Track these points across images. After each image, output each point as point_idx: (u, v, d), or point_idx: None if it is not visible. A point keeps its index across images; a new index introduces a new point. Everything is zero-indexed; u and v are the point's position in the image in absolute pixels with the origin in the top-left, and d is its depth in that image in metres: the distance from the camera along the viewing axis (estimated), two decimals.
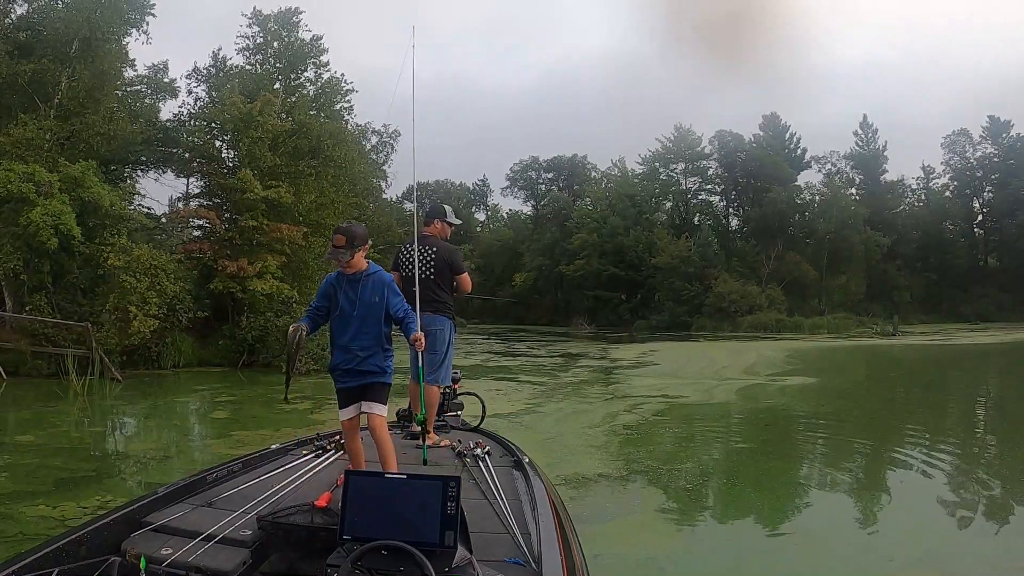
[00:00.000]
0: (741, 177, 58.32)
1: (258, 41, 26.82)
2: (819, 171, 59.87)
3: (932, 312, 53.39)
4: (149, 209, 25.54)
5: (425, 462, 4.13)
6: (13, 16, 22.28)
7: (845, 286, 52.55)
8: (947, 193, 60.56)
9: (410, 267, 4.86)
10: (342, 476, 2.82)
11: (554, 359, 27.69)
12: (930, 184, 61.65)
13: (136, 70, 25.04)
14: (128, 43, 23.03)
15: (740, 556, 6.10)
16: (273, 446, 4.47)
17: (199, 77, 26.67)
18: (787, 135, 58.82)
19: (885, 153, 59.19)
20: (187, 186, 27.68)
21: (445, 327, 5.07)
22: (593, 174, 69.38)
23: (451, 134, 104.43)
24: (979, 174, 58.42)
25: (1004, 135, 56.81)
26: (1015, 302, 51.19)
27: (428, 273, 4.96)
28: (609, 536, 6.24)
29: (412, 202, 24.18)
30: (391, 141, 31.02)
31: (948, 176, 60.42)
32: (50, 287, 19.66)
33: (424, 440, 4.37)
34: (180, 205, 26.97)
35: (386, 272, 3.94)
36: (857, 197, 57.27)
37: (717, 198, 62.45)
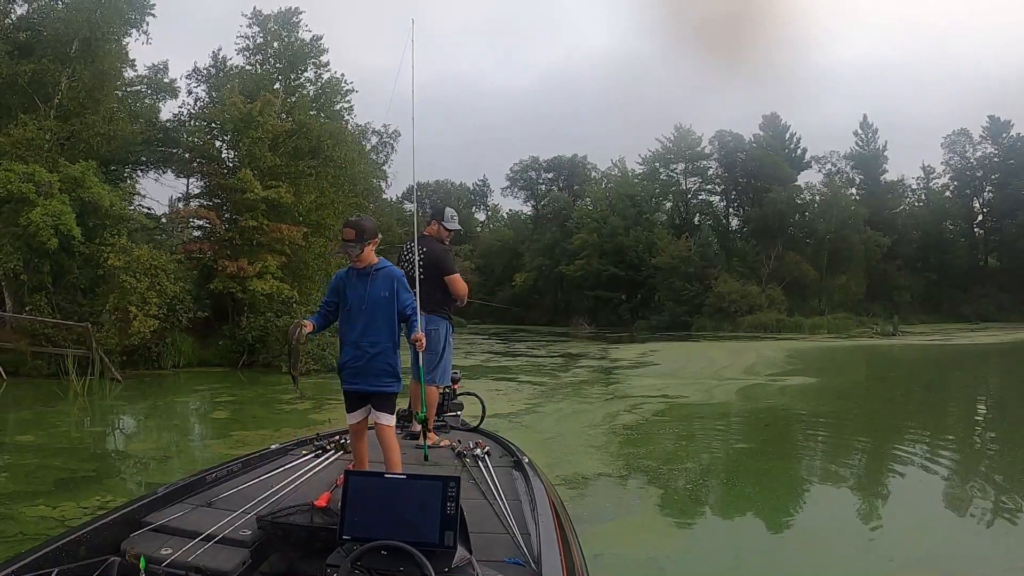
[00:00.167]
0: (741, 177, 58.29)
1: (258, 41, 26.82)
2: (819, 171, 59.91)
3: (932, 312, 53.36)
4: (149, 209, 25.60)
5: (426, 457, 4.13)
6: (13, 16, 22.28)
7: (845, 286, 52.53)
8: (947, 193, 60.52)
9: (409, 267, 4.88)
10: (342, 476, 2.82)
11: (554, 359, 27.68)
12: (930, 184, 61.65)
13: (136, 70, 25.09)
14: (128, 43, 23.07)
15: (740, 556, 6.09)
16: (273, 446, 4.46)
17: (199, 77, 26.69)
18: (787, 135, 58.80)
19: (885, 153, 59.21)
20: (187, 186, 27.71)
21: (440, 327, 5.08)
22: (593, 174, 69.41)
23: (451, 134, 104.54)
24: (979, 174, 58.39)
25: (1004, 135, 56.79)
26: (1015, 302, 51.17)
27: (419, 274, 4.98)
28: (609, 536, 6.24)
29: (409, 202, 24.13)
30: (391, 141, 31.01)
31: (948, 176, 60.43)
32: (50, 287, 19.66)
33: (424, 438, 4.38)
34: (180, 205, 26.99)
35: (396, 267, 3.91)
36: (857, 197, 57.24)
37: (717, 198, 62.47)
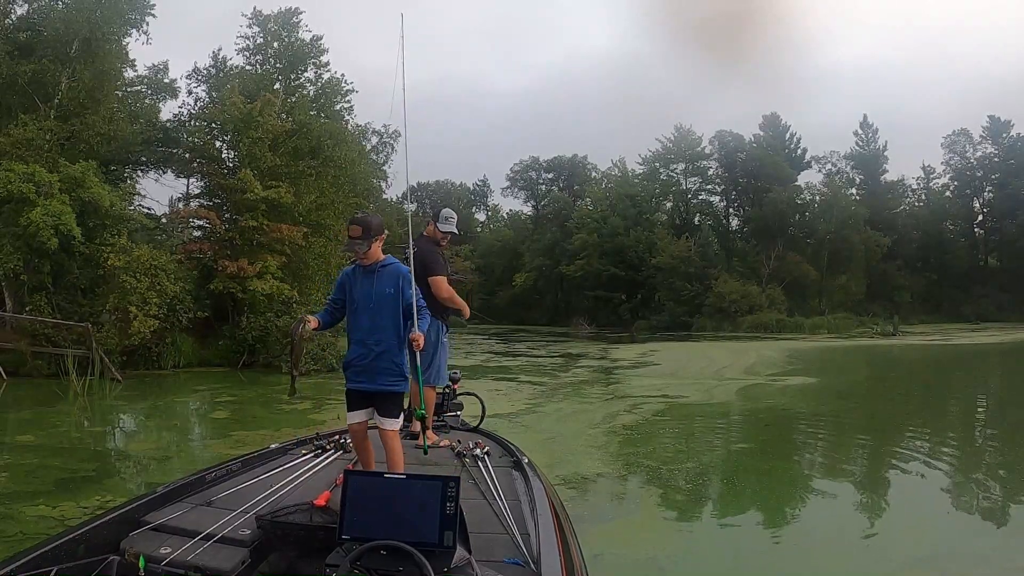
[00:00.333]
0: (741, 177, 58.27)
1: (258, 41, 26.80)
2: (819, 171, 59.89)
3: (932, 312, 53.34)
4: (149, 209, 25.59)
5: (426, 451, 4.13)
6: (13, 16, 22.27)
7: (845, 286, 52.53)
8: (947, 193, 60.50)
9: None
10: (341, 476, 2.82)
11: (554, 359, 27.68)
12: (930, 184, 61.63)
13: (136, 70, 25.05)
14: (128, 43, 23.03)
15: (740, 556, 6.09)
16: (272, 446, 4.46)
17: (199, 77, 26.67)
18: (787, 135, 58.78)
19: (885, 153, 59.20)
20: (187, 186, 27.69)
21: (431, 327, 5.08)
22: (593, 174, 69.40)
23: (451, 134, 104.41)
24: (979, 174, 58.37)
25: (1004, 135, 56.78)
26: (1015, 302, 51.15)
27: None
28: (609, 536, 6.23)
29: (411, 201, 24.11)
30: (391, 141, 31.00)
31: (948, 176, 60.39)
32: (50, 287, 19.66)
33: (424, 435, 4.37)
34: (180, 205, 26.96)
35: (403, 265, 3.90)
36: (857, 197, 57.24)
37: (717, 198, 62.45)
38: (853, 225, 51.93)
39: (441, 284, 5.08)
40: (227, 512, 3.07)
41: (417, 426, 4.68)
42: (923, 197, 61.77)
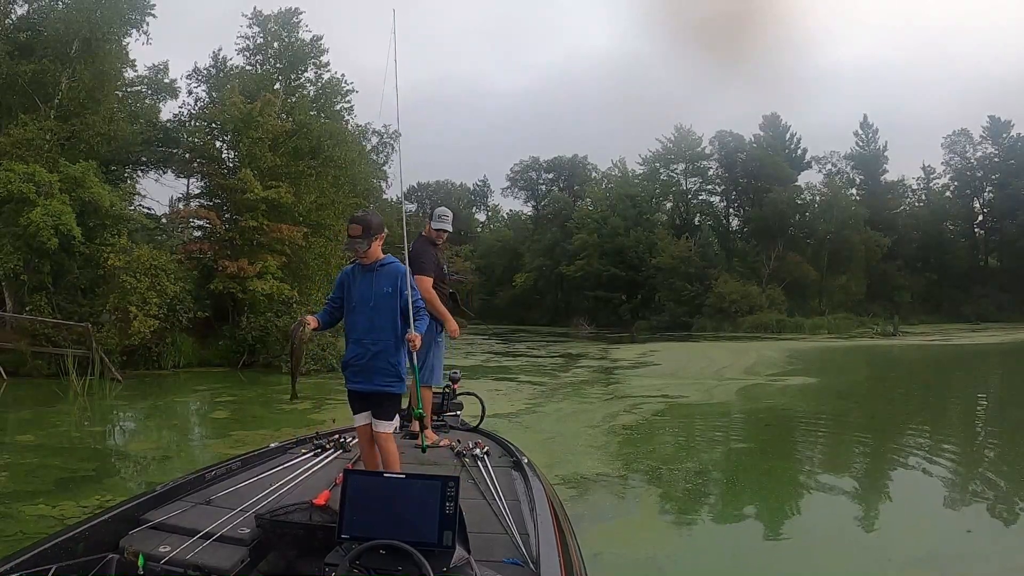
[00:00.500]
0: (741, 177, 58.28)
1: (258, 41, 26.81)
2: (819, 171, 59.94)
3: (932, 312, 53.35)
4: (149, 209, 25.58)
5: (424, 450, 4.13)
6: (13, 16, 22.28)
7: (845, 286, 52.53)
8: (947, 193, 60.51)
9: None
10: (341, 475, 2.82)
11: (554, 359, 27.68)
12: (930, 184, 61.66)
13: (136, 70, 25.06)
14: (128, 43, 23.04)
15: (740, 556, 6.09)
16: (272, 445, 4.46)
17: (199, 77, 26.67)
18: (787, 135, 58.80)
19: (885, 153, 59.23)
20: (187, 186, 27.69)
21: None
22: (593, 174, 69.48)
23: (451, 134, 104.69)
24: (979, 174, 58.39)
25: (1004, 135, 56.79)
26: (1015, 302, 51.15)
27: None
28: (608, 536, 6.23)
29: (410, 203, 24.13)
30: (391, 141, 30.99)
31: (948, 176, 60.43)
32: (50, 287, 19.66)
33: (422, 434, 4.37)
34: (180, 205, 26.97)
35: (401, 264, 3.87)
36: (857, 197, 57.27)
37: (717, 198, 62.49)
38: (853, 225, 51.94)
39: (422, 283, 4.91)
40: (226, 511, 3.07)
41: (416, 426, 4.67)
42: (923, 197, 61.80)
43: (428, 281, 5.02)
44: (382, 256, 3.77)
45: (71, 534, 2.67)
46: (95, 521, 2.83)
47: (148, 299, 18.91)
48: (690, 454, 10.23)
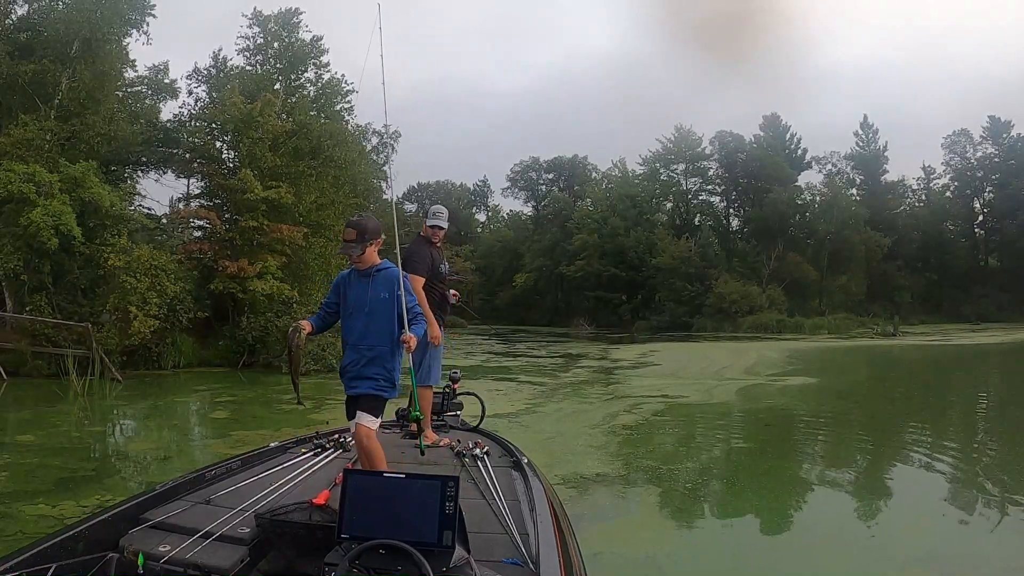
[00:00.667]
0: (742, 178, 58.31)
1: (258, 42, 26.83)
2: (819, 171, 60.03)
3: (932, 312, 53.36)
4: (149, 210, 25.55)
5: (422, 452, 4.12)
6: (14, 17, 22.28)
7: (846, 286, 52.54)
8: (947, 193, 60.54)
9: None
10: (341, 474, 2.82)
11: (554, 359, 27.68)
12: (931, 184, 61.70)
13: (137, 71, 25.04)
14: (128, 44, 23.03)
15: (740, 556, 6.09)
16: (272, 444, 4.46)
17: (199, 78, 26.70)
18: (787, 135, 58.85)
19: (885, 153, 59.30)
20: (187, 187, 27.67)
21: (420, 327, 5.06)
22: (594, 175, 69.51)
23: (451, 134, 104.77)
24: (979, 174, 58.40)
25: (1004, 135, 56.80)
26: (1015, 302, 51.15)
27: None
28: (608, 535, 6.23)
29: (410, 203, 24.14)
30: (391, 142, 31.00)
31: (949, 176, 60.49)
32: (50, 287, 19.66)
33: (420, 435, 4.37)
34: (180, 205, 26.94)
35: (398, 269, 3.85)
36: (857, 197, 57.30)
37: (718, 199, 62.53)
38: (853, 225, 51.95)
39: (414, 285, 4.81)
40: (226, 510, 3.07)
41: (415, 426, 4.67)
42: (923, 197, 61.83)
43: (420, 281, 4.98)
44: (379, 262, 3.74)
45: (71, 533, 2.67)
46: (95, 520, 2.83)
47: (148, 299, 18.91)
48: (690, 454, 10.24)
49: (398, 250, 4.04)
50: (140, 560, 2.57)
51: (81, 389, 15.69)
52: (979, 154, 58.50)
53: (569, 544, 3.26)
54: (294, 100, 26.29)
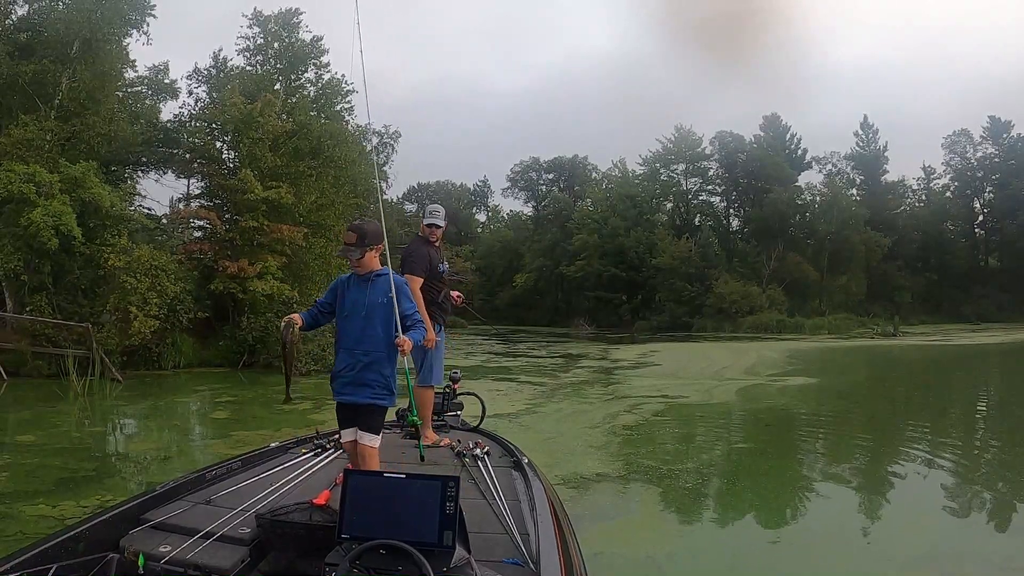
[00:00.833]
0: (742, 178, 58.32)
1: (258, 42, 26.81)
2: (820, 172, 60.03)
3: (933, 312, 53.36)
4: (150, 210, 25.53)
5: (422, 458, 4.12)
6: (14, 17, 22.28)
7: (846, 287, 52.53)
8: (948, 193, 60.54)
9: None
10: (341, 475, 2.82)
11: (554, 359, 27.68)
12: (931, 184, 61.70)
13: (137, 71, 25.02)
14: (129, 44, 23.02)
15: (739, 556, 6.09)
16: (272, 444, 4.47)
17: (200, 78, 26.67)
18: (788, 136, 58.87)
19: (886, 153, 59.30)
20: (188, 187, 27.66)
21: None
22: (594, 175, 69.50)
23: (451, 134, 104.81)
24: (980, 174, 58.41)
25: (1005, 135, 56.81)
26: (1015, 302, 51.16)
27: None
28: (608, 535, 6.23)
29: (410, 203, 24.14)
30: (391, 142, 31.03)
31: (949, 176, 60.49)
32: (51, 287, 19.65)
33: (419, 438, 4.37)
34: (181, 206, 26.93)
35: (397, 275, 3.82)
36: (858, 197, 57.30)
37: (718, 199, 62.53)
38: (853, 225, 51.96)
39: (411, 285, 4.77)
40: (227, 511, 3.08)
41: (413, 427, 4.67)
42: (923, 197, 61.83)
43: (417, 282, 4.95)
44: (377, 267, 3.72)
45: (71, 533, 2.67)
46: (95, 521, 2.83)
47: (148, 299, 18.90)
48: (690, 454, 10.23)
49: (386, 245, 3.96)
50: (141, 560, 2.58)
51: (81, 389, 15.69)
52: (979, 154, 58.57)
53: (569, 544, 3.26)
54: (294, 100, 26.28)
